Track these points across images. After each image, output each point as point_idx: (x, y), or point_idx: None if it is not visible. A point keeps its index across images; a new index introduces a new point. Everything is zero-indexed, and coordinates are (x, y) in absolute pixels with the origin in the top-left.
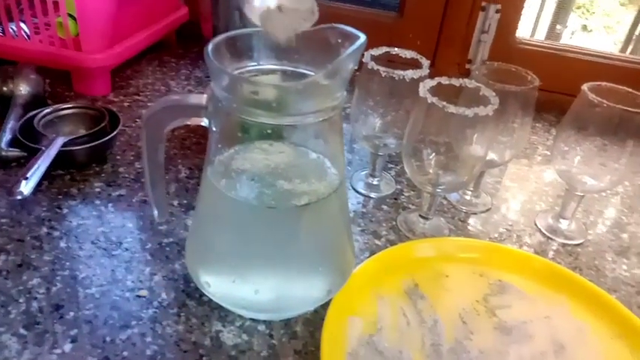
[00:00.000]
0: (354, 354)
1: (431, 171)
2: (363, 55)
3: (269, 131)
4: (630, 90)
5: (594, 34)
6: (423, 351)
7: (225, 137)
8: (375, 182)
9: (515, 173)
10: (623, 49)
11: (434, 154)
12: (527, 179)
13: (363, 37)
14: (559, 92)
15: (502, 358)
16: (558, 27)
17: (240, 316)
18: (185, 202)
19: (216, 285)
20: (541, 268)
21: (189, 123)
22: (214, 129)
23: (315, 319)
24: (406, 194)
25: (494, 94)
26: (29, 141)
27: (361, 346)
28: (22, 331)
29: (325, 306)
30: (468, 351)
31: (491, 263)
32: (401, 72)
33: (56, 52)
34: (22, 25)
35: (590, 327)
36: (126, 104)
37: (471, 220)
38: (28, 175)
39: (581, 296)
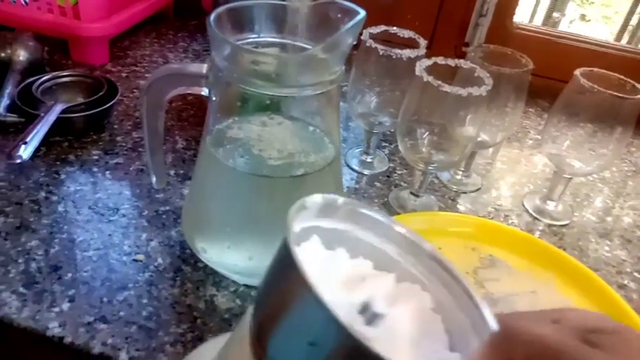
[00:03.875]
0: None
1: (424, 150)
2: (361, 33)
3: (268, 102)
4: (621, 77)
5: (592, 23)
6: None
7: (224, 107)
8: (368, 160)
9: (507, 156)
10: (618, 39)
11: (427, 133)
12: (518, 162)
13: (362, 13)
14: (553, 78)
15: None
16: (556, 15)
17: (234, 282)
18: (182, 172)
19: (212, 250)
20: (532, 246)
21: (189, 92)
22: (214, 99)
23: None
24: (399, 172)
25: (488, 75)
26: (27, 107)
27: None
28: (21, 289)
29: None
30: None
31: (484, 239)
32: (398, 51)
33: (54, 20)
34: None
35: (574, 303)
36: (123, 74)
37: (461, 199)
38: (27, 140)
39: (568, 274)
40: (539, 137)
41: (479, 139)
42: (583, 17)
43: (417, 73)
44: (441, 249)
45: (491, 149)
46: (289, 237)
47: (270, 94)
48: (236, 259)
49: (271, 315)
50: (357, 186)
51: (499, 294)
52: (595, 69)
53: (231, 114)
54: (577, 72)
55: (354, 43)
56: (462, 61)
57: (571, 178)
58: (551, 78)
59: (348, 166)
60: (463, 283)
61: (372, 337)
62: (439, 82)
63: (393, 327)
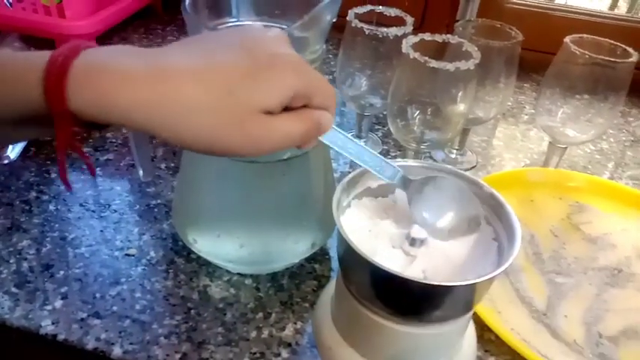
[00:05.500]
0: None
1: (416, 129)
2: (347, 13)
3: None
4: (612, 42)
5: None
6: (528, 259)
7: None
8: (361, 143)
9: (502, 132)
10: (612, 8)
11: (419, 112)
12: (514, 138)
13: None
14: (547, 52)
15: (594, 262)
16: None
17: (228, 272)
18: (172, 165)
19: (203, 240)
20: (612, 190)
21: None
22: None
23: (301, 272)
24: (392, 154)
25: (476, 48)
26: None
27: None
28: (13, 289)
29: (311, 259)
30: (564, 257)
31: (567, 188)
32: (385, 29)
33: (39, 20)
34: None
35: None
36: None
37: None
38: None
39: None
40: (534, 112)
41: (472, 115)
42: None
43: (404, 50)
44: (533, 201)
45: (489, 125)
46: (334, 206)
47: None
48: (227, 247)
49: (342, 259)
50: (350, 170)
51: (595, 234)
52: (585, 35)
53: None
54: (567, 39)
55: (334, 20)
56: (449, 36)
57: (566, 147)
58: (544, 52)
59: None
60: (512, 217)
61: (413, 254)
62: (426, 57)
63: (439, 249)
